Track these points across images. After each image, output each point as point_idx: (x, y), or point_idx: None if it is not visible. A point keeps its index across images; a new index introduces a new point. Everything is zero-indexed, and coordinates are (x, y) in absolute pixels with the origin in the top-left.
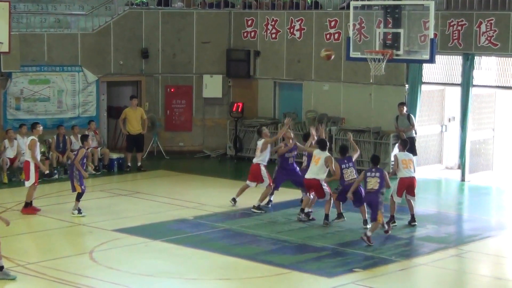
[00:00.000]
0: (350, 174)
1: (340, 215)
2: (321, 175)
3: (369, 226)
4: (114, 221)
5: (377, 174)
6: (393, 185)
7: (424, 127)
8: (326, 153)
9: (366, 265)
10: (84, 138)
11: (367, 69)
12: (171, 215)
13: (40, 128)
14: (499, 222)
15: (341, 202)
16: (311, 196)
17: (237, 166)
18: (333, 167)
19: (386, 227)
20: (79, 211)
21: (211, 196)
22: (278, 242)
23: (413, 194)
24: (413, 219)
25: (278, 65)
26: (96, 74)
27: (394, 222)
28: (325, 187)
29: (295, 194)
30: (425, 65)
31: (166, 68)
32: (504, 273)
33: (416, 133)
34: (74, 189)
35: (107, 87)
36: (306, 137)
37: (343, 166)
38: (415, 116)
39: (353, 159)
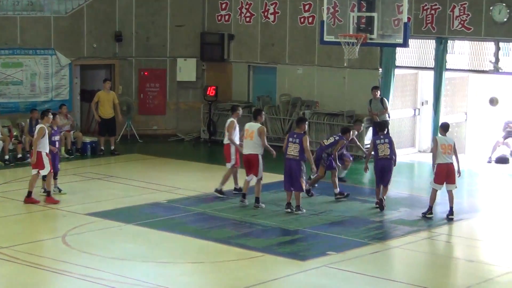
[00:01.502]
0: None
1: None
2: (258, 149)
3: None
4: (87, 205)
5: (386, 140)
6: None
7: (397, 111)
8: (258, 124)
9: (339, 248)
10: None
11: (341, 52)
12: (144, 199)
13: (51, 116)
14: (471, 204)
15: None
16: (250, 178)
17: (211, 150)
18: (264, 139)
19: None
20: (45, 190)
21: (185, 180)
22: (252, 225)
23: (453, 182)
24: (451, 212)
25: (252, 49)
26: (69, 57)
27: (431, 213)
28: (261, 165)
29: (270, 178)
30: (398, 49)
31: (139, 51)
32: (476, 255)
33: (389, 117)
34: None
35: (80, 71)
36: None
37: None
38: (388, 100)
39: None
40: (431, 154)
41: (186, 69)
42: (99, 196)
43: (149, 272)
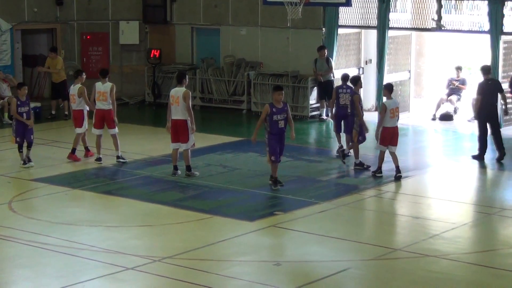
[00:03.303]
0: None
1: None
2: (186, 115)
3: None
4: (33, 171)
5: (348, 90)
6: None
7: (341, 70)
8: (183, 89)
9: (287, 207)
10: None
11: (284, 13)
12: (90, 164)
13: (84, 76)
14: (416, 162)
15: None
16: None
17: (156, 113)
18: (189, 103)
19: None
20: (24, 162)
21: (131, 144)
22: (199, 187)
23: (395, 144)
24: (398, 170)
25: (195, 10)
26: (10, 22)
27: (381, 172)
28: (191, 133)
29: (215, 140)
30: (341, 8)
31: (81, 14)
32: (421, 212)
33: (333, 77)
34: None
35: (21, 35)
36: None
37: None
38: (332, 59)
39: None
40: (376, 113)
41: (129, 32)
42: (44, 161)
43: (97, 236)
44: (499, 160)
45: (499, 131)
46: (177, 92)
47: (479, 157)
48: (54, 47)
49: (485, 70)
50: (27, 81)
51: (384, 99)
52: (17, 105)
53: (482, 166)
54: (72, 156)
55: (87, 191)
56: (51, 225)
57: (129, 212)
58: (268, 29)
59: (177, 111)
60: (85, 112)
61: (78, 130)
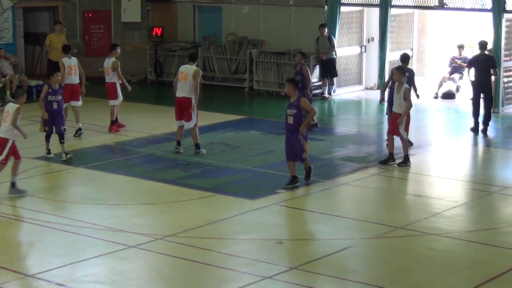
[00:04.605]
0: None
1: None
2: (192, 93)
3: None
4: (34, 149)
5: (407, 73)
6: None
7: (343, 49)
8: (194, 67)
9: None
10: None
11: None
12: (92, 142)
13: (119, 50)
14: (417, 140)
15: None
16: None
17: (158, 91)
18: (198, 82)
19: None
20: (49, 152)
21: (133, 122)
22: (201, 165)
23: (400, 132)
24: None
25: None
26: (11, 0)
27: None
28: (194, 112)
29: (217, 118)
30: None
31: None
32: (423, 190)
33: (336, 55)
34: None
35: (23, 13)
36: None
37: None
38: (335, 37)
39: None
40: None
41: (131, 10)
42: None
43: (99, 215)
44: (483, 132)
45: (490, 104)
46: (187, 69)
47: (475, 130)
48: (59, 20)
49: (481, 45)
50: (29, 60)
51: (404, 84)
52: (47, 93)
53: (484, 144)
54: (113, 127)
55: (89, 169)
56: (54, 203)
57: (131, 190)
58: (270, 7)
59: (184, 88)
60: (118, 85)
61: (113, 102)
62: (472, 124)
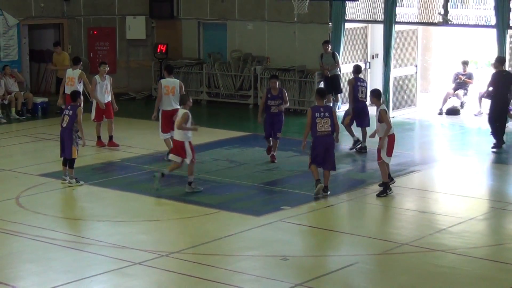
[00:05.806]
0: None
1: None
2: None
3: None
4: (40, 166)
5: (365, 84)
6: (384, 144)
7: (348, 65)
8: (176, 80)
9: (294, 202)
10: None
11: (290, 7)
12: (97, 158)
13: (107, 68)
14: (423, 157)
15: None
16: None
17: None
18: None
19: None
20: (77, 180)
21: (137, 138)
22: (206, 182)
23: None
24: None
25: (202, 5)
26: (17, 17)
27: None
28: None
29: (222, 135)
30: (348, 3)
31: (88, 9)
32: (428, 206)
33: (340, 71)
34: (69, 155)
35: (28, 30)
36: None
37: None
38: (339, 54)
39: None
40: None
41: (136, 27)
42: (51, 157)
43: (104, 231)
44: (497, 147)
45: (505, 122)
46: (172, 83)
47: (498, 146)
48: (57, 41)
49: (501, 61)
50: (34, 77)
51: (381, 106)
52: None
53: (489, 160)
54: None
55: (94, 186)
56: (59, 220)
57: (137, 207)
58: (275, 23)
59: (170, 102)
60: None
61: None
62: (481, 145)
